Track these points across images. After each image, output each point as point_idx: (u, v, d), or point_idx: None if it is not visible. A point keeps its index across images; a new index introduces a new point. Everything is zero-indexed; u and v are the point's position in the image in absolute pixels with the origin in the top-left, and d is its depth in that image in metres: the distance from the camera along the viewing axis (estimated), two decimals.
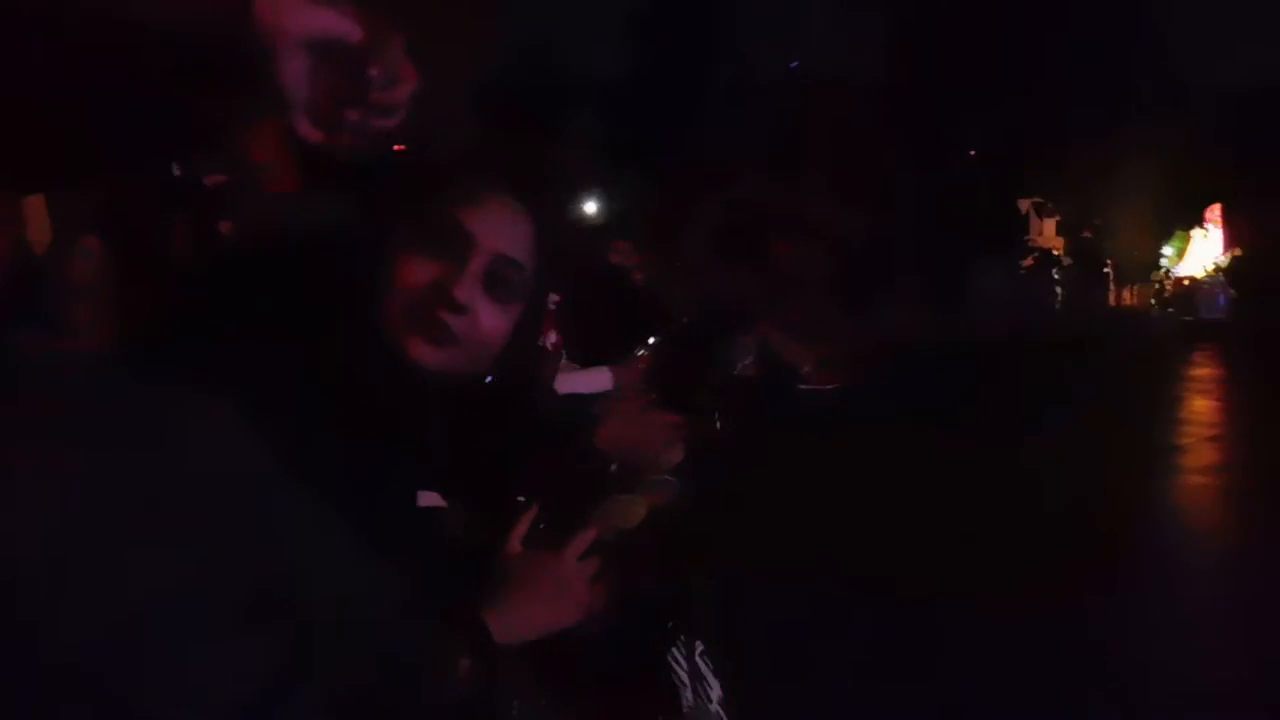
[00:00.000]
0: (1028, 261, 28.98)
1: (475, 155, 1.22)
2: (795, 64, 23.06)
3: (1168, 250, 32.24)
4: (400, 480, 1.16)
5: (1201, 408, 11.51)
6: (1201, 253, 31.21)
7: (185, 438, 0.98)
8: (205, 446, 0.98)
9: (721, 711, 1.68)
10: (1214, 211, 31.02)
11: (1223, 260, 29.50)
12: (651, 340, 3.87)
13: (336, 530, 1.03)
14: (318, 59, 0.86)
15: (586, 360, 3.74)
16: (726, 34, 23.29)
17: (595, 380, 3.71)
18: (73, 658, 0.91)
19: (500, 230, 1.17)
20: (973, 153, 25.37)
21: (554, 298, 3.46)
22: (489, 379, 1.21)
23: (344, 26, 0.86)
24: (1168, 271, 31.70)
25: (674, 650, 1.59)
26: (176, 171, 1.14)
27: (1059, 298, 28.90)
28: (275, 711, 0.95)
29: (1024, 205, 29.74)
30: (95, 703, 0.91)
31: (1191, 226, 31.76)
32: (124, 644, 0.92)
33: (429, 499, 1.19)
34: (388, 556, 1.05)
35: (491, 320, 1.16)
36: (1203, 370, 15.61)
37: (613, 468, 1.62)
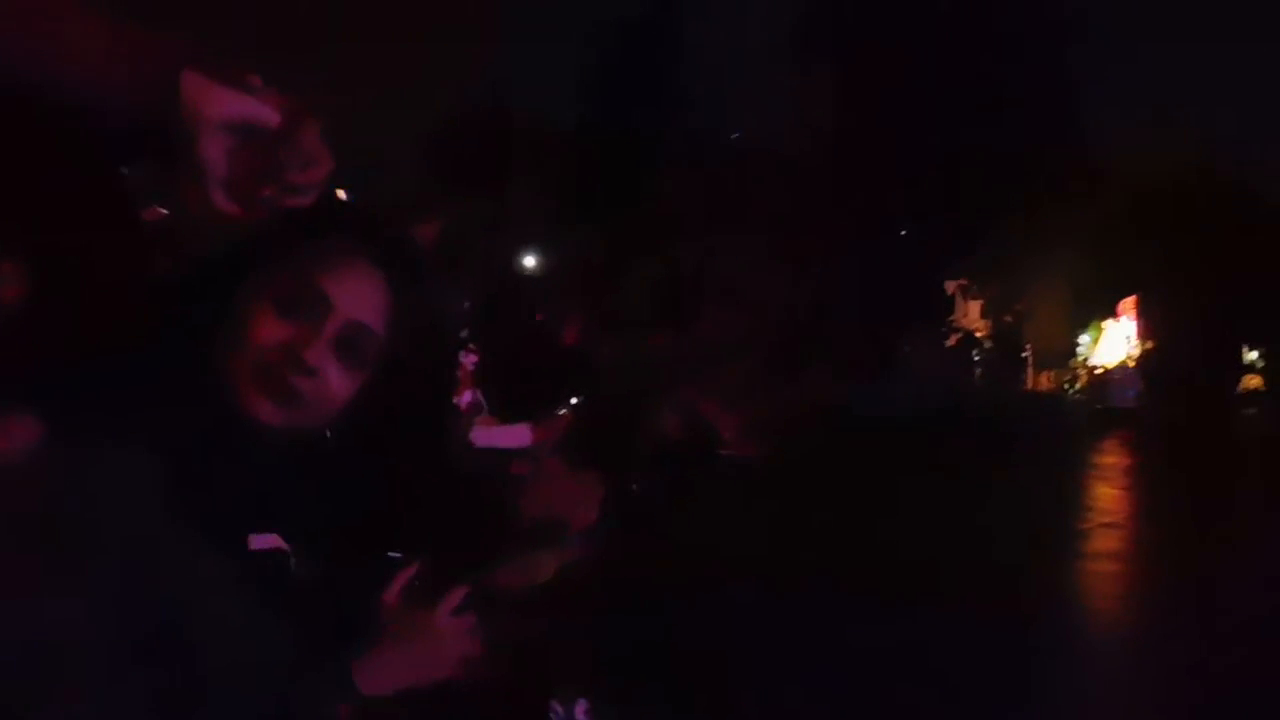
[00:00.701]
0: (951, 341, 29.61)
1: (339, 214, 1.22)
2: (737, 135, 23.51)
3: (1085, 339, 33.19)
4: (231, 518, 1.15)
5: (1104, 494, 11.86)
6: (1116, 343, 32.16)
7: (95, 473, 0.99)
8: (113, 482, 1.00)
9: None
10: (1129, 304, 32.06)
11: (1135, 351, 30.46)
12: (575, 400, 3.93)
13: (223, 568, 1.06)
14: (237, 141, 0.93)
15: (508, 416, 3.77)
16: (667, 98, 23.70)
17: (514, 435, 3.73)
18: None
19: (358, 296, 1.17)
20: (903, 231, 25.97)
21: (470, 359, 3.50)
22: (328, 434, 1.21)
23: (262, 113, 0.94)
24: (1084, 360, 32.60)
25: (555, 705, 1.62)
26: (116, 204, 1.17)
27: (978, 378, 29.54)
28: None
29: (950, 287, 30.47)
30: None
31: (1108, 317, 32.76)
32: (26, 678, 0.93)
33: (268, 541, 1.17)
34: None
35: (339, 383, 1.17)
36: (1109, 458, 16.05)
37: (525, 524, 1.65)
